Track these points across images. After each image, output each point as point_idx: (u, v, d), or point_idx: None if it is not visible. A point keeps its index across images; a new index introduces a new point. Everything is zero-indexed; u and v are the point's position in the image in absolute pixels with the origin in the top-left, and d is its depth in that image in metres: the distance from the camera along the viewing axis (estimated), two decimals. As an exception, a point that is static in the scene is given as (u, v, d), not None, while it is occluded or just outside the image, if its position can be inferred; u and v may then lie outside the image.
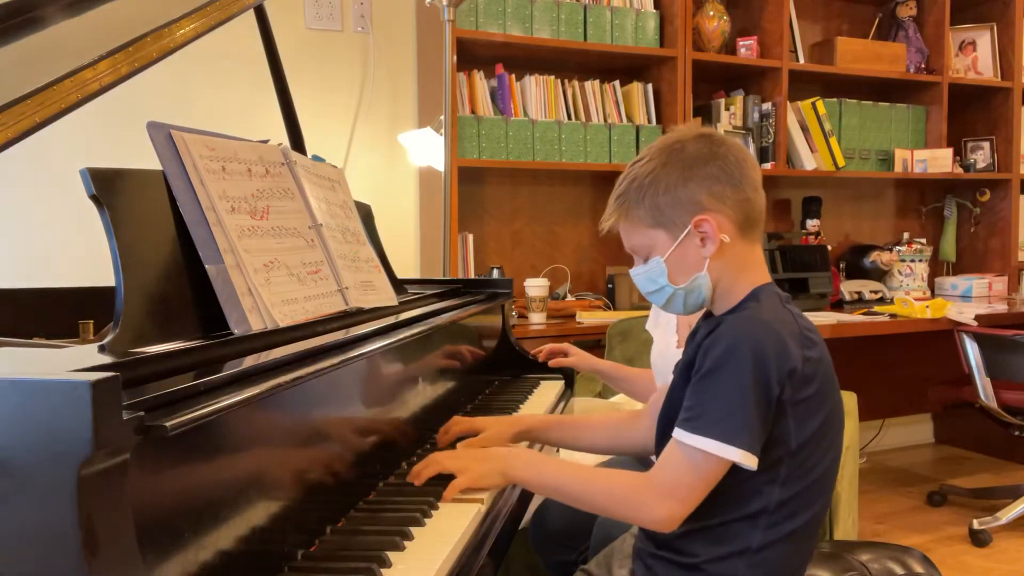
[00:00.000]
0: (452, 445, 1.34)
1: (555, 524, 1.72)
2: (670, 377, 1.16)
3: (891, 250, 3.61)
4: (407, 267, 3.01)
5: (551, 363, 1.90)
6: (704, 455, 0.98)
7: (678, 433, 1.01)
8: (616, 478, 1.11)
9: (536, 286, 2.79)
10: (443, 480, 1.14)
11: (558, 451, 1.57)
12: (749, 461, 0.98)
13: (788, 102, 3.27)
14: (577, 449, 1.46)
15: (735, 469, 1.00)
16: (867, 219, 3.86)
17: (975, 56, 3.79)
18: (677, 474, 1.01)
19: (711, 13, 3.19)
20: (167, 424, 0.69)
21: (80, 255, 2.20)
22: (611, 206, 1.13)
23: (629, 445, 1.38)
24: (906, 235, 3.77)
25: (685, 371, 1.07)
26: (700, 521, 1.04)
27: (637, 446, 1.38)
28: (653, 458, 1.13)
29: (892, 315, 3.03)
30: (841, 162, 3.38)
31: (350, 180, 1.51)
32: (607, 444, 1.42)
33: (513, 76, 2.94)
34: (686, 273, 1.08)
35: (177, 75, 2.57)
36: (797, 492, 1.04)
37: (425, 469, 1.15)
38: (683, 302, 1.10)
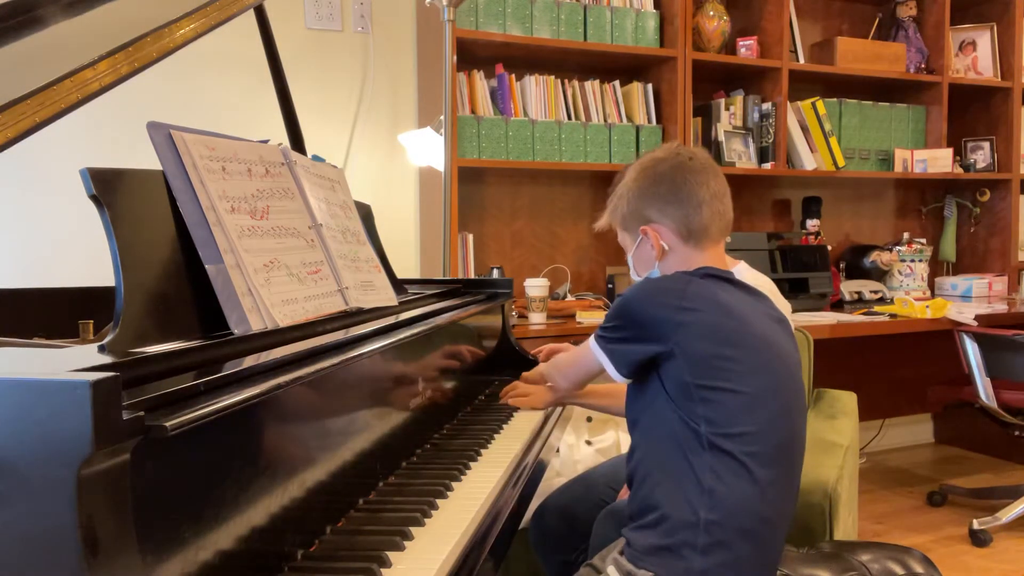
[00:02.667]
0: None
1: (555, 524, 1.72)
2: None
3: (891, 250, 3.61)
4: (407, 267, 3.01)
5: (551, 363, 1.90)
6: (586, 347, 1.33)
7: None
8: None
9: (536, 286, 2.79)
10: (444, 482, 1.16)
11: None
12: (607, 366, 1.26)
13: (788, 102, 3.27)
14: (596, 410, 1.82)
15: (653, 404, 1.19)
16: (867, 219, 3.86)
17: (975, 56, 3.79)
18: (574, 353, 1.46)
19: (711, 13, 3.18)
20: (167, 424, 0.69)
21: (80, 255, 2.20)
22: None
23: (618, 408, 1.59)
24: (906, 235, 3.77)
25: None
26: (657, 466, 1.17)
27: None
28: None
29: (892, 315, 3.03)
30: (841, 162, 3.38)
31: (350, 180, 1.51)
32: (604, 407, 1.71)
33: (513, 76, 2.94)
34: (644, 268, 1.38)
35: (177, 75, 2.57)
36: (727, 430, 1.13)
37: (512, 391, 1.70)
38: None
